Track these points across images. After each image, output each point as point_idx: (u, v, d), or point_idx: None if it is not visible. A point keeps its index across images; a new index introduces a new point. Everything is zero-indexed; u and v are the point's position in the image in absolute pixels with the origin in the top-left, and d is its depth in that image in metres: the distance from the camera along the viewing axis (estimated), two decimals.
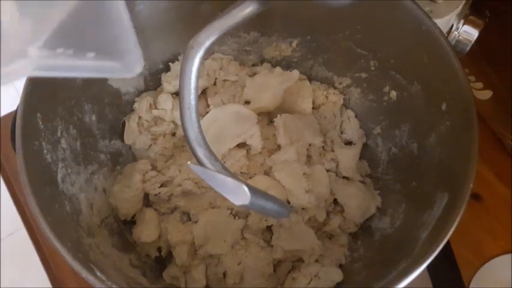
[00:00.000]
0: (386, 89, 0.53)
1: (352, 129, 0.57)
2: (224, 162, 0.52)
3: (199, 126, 0.35)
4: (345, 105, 0.58)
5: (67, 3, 0.24)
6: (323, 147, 0.55)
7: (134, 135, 0.54)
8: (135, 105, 0.54)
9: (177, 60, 0.56)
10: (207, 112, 0.55)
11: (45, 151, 0.42)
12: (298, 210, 0.51)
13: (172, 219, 0.52)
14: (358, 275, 0.49)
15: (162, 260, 0.52)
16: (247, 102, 0.55)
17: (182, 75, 0.34)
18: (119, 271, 0.44)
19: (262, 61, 0.59)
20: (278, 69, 0.57)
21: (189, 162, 0.35)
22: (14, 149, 0.40)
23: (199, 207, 0.52)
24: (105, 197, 0.50)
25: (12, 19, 0.23)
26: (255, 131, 0.52)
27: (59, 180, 0.43)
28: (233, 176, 0.35)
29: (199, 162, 0.36)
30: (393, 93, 0.52)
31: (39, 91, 0.42)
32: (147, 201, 0.53)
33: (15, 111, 0.41)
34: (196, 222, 0.51)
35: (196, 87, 0.34)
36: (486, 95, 0.62)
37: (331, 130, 0.57)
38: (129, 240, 0.52)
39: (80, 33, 0.24)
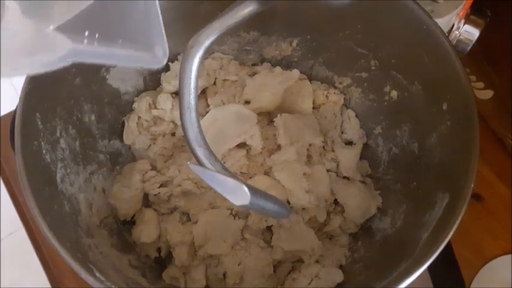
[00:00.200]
0: (387, 88, 0.53)
1: (352, 129, 0.57)
2: (224, 162, 0.52)
3: (199, 126, 0.35)
4: (346, 105, 0.58)
5: None
6: (323, 147, 0.55)
7: (134, 135, 0.54)
8: (135, 105, 0.54)
9: (177, 60, 0.56)
10: (207, 112, 0.55)
11: (44, 151, 0.42)
12: (298, 210, 0.51)
13: (172, 220, 0.52)
14: (358, 275, 0.49)
15: (162, 260, 0.52)
16: (247, 102, 0.55)
17: (182, 75, 0.34)
18: (118, 271, 0.44)
19: (262, 61, 0.59)
20: (278, 69, 0.56)
21: (188, 162, 0.35)
22: (13, 149, 0.40)
23: (199, 208, 0.52)
24: (105, 197, 0.50)
25: None
26: (255, 131, 0.52)
27: (58, 180, 0.43)
28: (233, 176, 0.35)
29: (199, 162, 0.35)
30: (394, 93, 0.52)
31: (38, 91, 0.42)
32: (146, 201, 0.53)
33: (15, 111, 0.41)
34: (196, 222, 0.51)
35: (196, 87, 0.34)
36: (487, 94, 0.61)
37: (332, 130, 0.57)
38: (129, 240, 0.51)
39: (109, 20, 0.25)
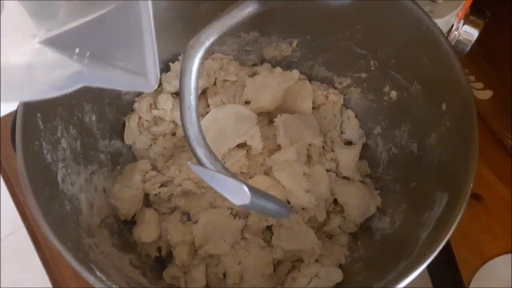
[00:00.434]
0: (387, 89, 0.53)
1: (352, 129, 0.57)
2: (224, 162, 0.52)
3: (200, 126, 0.35)
4: (345, 105, 0.58)
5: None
6: (323, 147, 0.55)
7: (134, 135, 0.54)
8: (135, 105, 0.54)
9: (177, 60, 0.56)
10: (207, 112, 0.55)
11: (45, 151, 0.42)
12: (298, 210, 0.51)
13: (173, 219, 0.52)
14: (358, 275, 0.49)
15: (162, 260, 0.52)
16: (247, 102, 0.55)
17: (182, 75, 0.34)
18: (119, 271, 0.44)
19: (262, 61, 0.59)
20: (278, 69, 0.57)
21: (189, 162, 0.35)
22: (14, 149, 0.40)
23: (199, 207, 0.52)
24: (105, 197, 0.50)
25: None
26: (255, 131, 0.52)
27: (59, 180, 0.43)
28: (233, 176, 0.35)
29: (199, 162, 0.36)
30: (393, 93, 0.52)
31: None
32: (147, 201, 0.53)
33: (15, 111, 0.41)
34: (196, 222, 0.51)
35: (197, 87, 0.34)
36: (486, 95, 0.62)
37: (331, 130, 0.57)
38: (129, 240, 0.52)
39: (102, 39, 0.25)
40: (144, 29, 0.24)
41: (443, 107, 0.45)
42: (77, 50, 0.24)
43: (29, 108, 0.41)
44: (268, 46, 0.57)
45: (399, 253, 0.43)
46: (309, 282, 0.48)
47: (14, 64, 0.23)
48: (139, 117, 0.54)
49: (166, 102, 0.54)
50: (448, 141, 0.45)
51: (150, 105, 0.54)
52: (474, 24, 0.51)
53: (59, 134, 0.45)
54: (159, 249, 0.52)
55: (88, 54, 0.24)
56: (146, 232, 0.50)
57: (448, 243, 0.39)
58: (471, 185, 0.40)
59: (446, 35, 0.46)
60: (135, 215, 0.52)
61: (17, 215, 0.62)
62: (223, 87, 0.57)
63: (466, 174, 0.40)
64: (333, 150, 0.55)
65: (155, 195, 0.52)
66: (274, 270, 0.51)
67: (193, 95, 0.34)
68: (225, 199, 0.32)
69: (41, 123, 0.42)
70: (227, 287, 0.50)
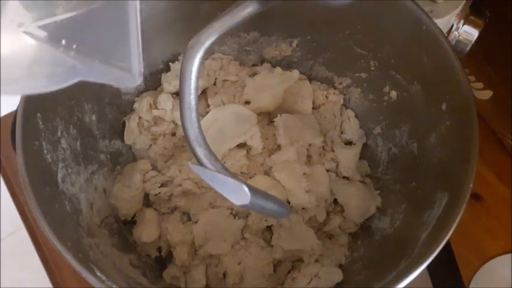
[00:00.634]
0: (387, 89, 0.53)
1: (352, 129, 0.57)
2: (224, 162, 0.52)
3: (199, 126, 0.35)
4: (345, 105, 0.58)
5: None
6: (323, 147, 0.55)
7: (134, 135, 0.54)
8: (135, 105, 0.54)
9: (177, 60, 0.56)
10: (207, 112, 0.55)
11: (45, 151, 0.42)
12: (298, 210, 0.51)
13: (173, 219, 0.52)
14: (358, 275, 0.49)
15: (162, 260, 0.52)
16: (247, 103, 0.55)
17: (182, 75, 0.34)
18: (119, 271, 0.44)
19: (262, 61, 0.59)
20: (278, 69, 0.57)
21: (189, 163, 0.36)
22: (14, 149, 0.40)
23: (199, 207, 0.52)
24: (105, 197, 0.50)
25: None
26: (255, 131, 0.52)
27: (59, 180, 0.43)
28: (233, 176, 0.35)
29: (199, 162, 0.36)
30: (393, 93, 0.52)
31: None
32: (147, 201, 0.53)
33: (15, 111, 0.41)
34: (196, 222, 0.51)
35: (197, 87, 0.34)
36: (486, 95, 0.62)
37: (331, 130, 0.57)
38: (129, 240, 0.52)
39: (90, 34, 0.25)
40: (131, 27, 0.25)
41: (443, 107, 0.45)
42: (64, 42, 0.24)
43: (29, 108, 0.41)
44: (268, 46, 0.57)
45: (399, 253, 0.43)
46: (309, 282, 0.48)
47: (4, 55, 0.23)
48: (139, 117, 0.54)
49: (166, 102, 0.54)
50: (448, 141, 0.45)
51: (150, 105, 0.54)
52: (474, 24, 0.51)
53: (59, 134, 0.45)
54: (159, 249, 0.52)
55: (75, 47, 0.24)
56: (146, 232, 0.51)
57: (448, 243, 0.39)
58: (471, 185, 0.40)
59: (446, 35, 0.46)
60: (135, 215, 0.52)
61: (17, 215, 0.62)
62: (223, 87, 0.57)
63: (466, 174, 0.40)
64: (333, 150, 0.55)
65: (155, 195, 0.52)
66: (274, 270, 0.51)
67: (193, 95, 0.34)
68: (225, 199, 0.32)
69: (41, 123, 0.42)
70: (227, 287, 0.50)
